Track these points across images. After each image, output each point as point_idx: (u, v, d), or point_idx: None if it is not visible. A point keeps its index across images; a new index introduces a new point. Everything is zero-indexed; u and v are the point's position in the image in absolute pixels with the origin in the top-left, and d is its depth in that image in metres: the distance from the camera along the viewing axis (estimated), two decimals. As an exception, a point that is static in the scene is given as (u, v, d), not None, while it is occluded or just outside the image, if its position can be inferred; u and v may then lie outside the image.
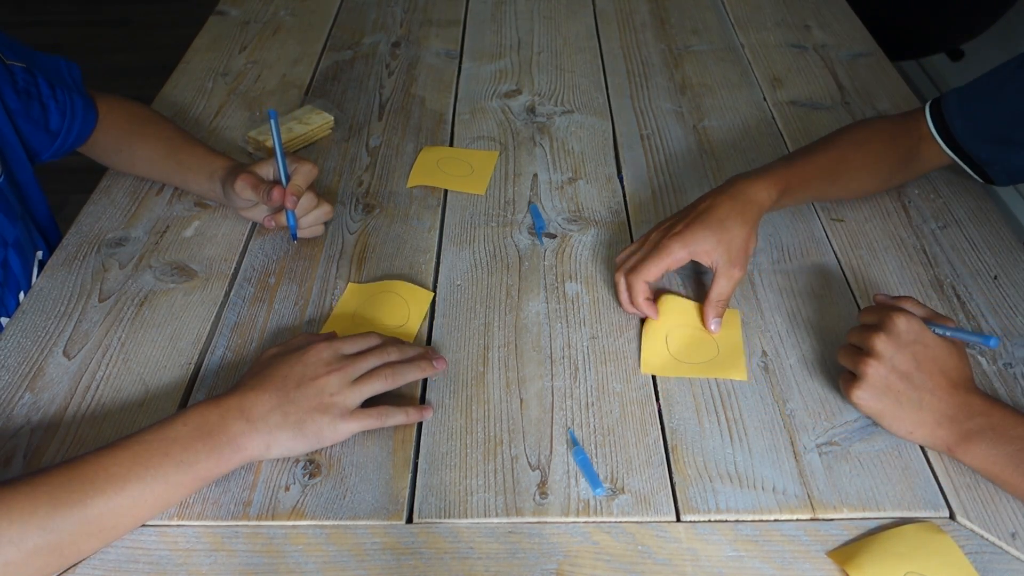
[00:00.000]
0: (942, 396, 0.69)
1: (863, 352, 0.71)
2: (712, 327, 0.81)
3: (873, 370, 0.70)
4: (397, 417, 0.71)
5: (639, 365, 0.79)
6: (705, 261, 0.81)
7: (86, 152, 1.02)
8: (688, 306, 0.84)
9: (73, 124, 0.97)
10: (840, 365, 0.75)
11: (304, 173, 0.87)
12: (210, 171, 0.93)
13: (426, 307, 0.85)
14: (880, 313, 0.72)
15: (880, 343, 0.69)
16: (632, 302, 0.82)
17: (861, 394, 0.70)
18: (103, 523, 0.61)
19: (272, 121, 0.86)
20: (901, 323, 0.70)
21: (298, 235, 0.91)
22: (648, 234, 0.86)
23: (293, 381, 0.68)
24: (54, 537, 0.59)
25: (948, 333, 0.71)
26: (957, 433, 0.69)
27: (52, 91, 0.95)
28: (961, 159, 0.94)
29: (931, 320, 0.72)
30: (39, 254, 0.93)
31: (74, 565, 0.62)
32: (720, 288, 0.81)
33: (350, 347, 0.72)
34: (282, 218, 0.89)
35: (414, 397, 0.76)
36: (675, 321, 0.83)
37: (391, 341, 0.76)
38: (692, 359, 0.80)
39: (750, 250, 0.82)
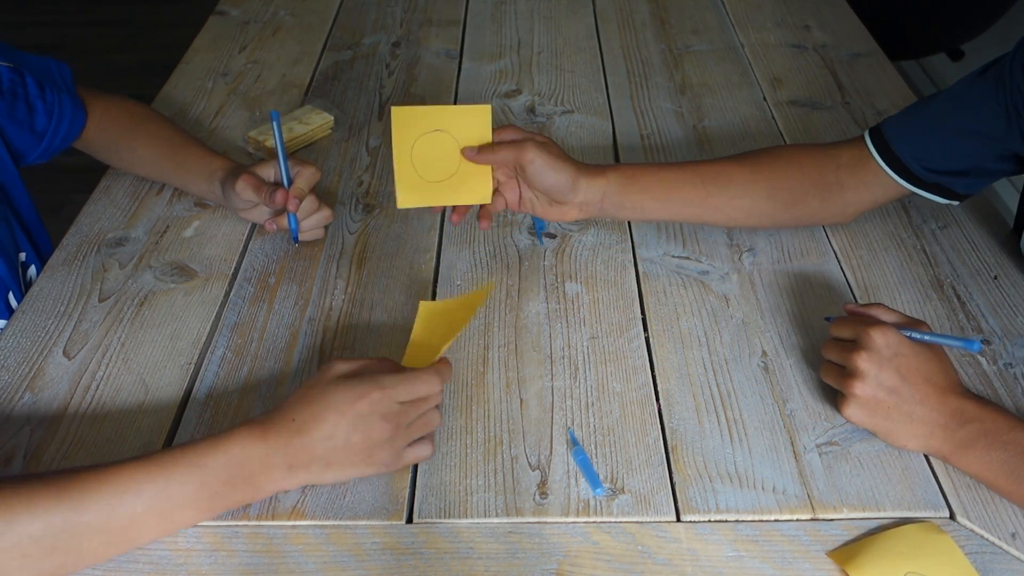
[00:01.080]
0: (932, 405, 0.68)
1: (847, 372, 0.70)
2: (467, 153, 0.81)
3: (860, 390, 0.69)
4: (430, 444, 0.70)
5: (395, 201, 0.81)
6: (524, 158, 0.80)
7: (87, 151, 1.02)
8: (430, 112, 0.81)
9: (60, 125, 0.96)
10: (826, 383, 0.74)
11: (307, 176, 0.87)
12: (209, 172, 0.93)
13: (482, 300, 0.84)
14: (855, 327, 0.71)
15: (862, 362, 0.69)
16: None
17: (851, 412, 0.71)
18: (127, 535, 0.61)
19: (274, 123, 0.86)
20: (879, 338, 0.69)
21: (299, 238, 0.91)
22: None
23: (342, 435, 0.64)
24: (75, 542, 0.59)
25: (927, 339, 0.70)
26: (951, 442, 0.68)
27: (41, 91, 0.94)
28: (916, 186, 0.87)
29: (905, 326, 0.71)
30: (22, 255, 0.93)
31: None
32: (505, 150, 0.80)
33: (406, 394, 0.66)
34: (283, 221, 0.89)
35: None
36: (419, 130, 0.81)
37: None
38: (436, 175, 0.81)
39: (543, 176, 0.81)
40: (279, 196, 0.85)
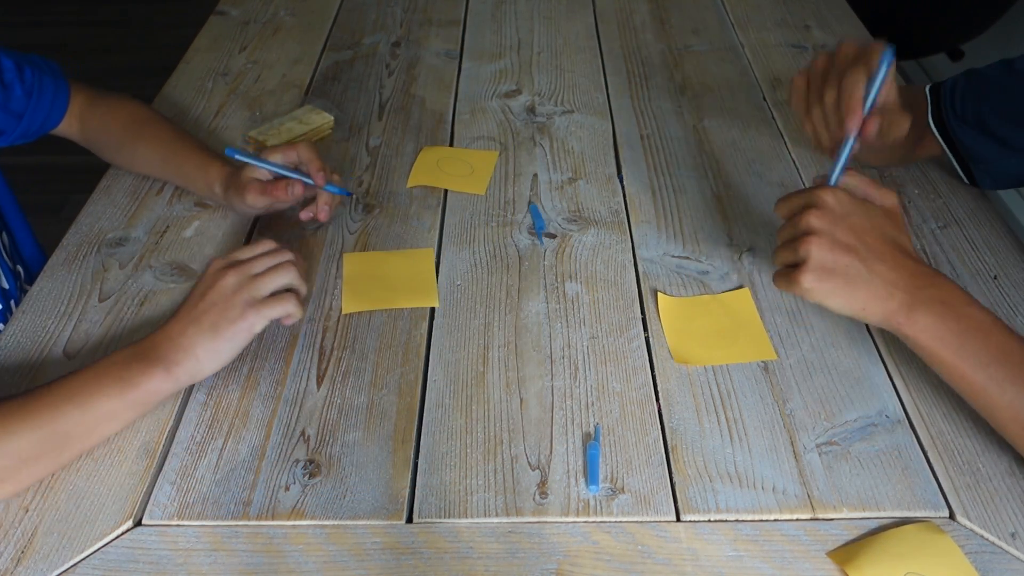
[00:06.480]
0: (890, 264, 0.67)
1: (799, 235, 0.68)
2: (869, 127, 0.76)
3: (816, 248, 0.67)
4: (294, 299, 0.77)
5: (670, 355, 0.80)
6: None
7: (91, 148, 1.02)
8: (692, 303, 0.85)
9: (39, 106, 0.95)
10: (779, 267, 0.72)
11: (308, 151, 0.88)
12: (207, 181, 0.93)
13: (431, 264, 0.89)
14: (801, 195, 0.69)
15: (815, 220, 0.67)
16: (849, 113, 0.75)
17: (808, 277, 0.67)
18: (72, 434, 0.68)
19: (238, 156, 0.87)
20: (829, 197, 0.67)
21: (323, 217, 0.92)
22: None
23: (198, 296, 0.74)
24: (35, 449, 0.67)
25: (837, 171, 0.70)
26: (907, 303, 0.66)
27: (19, 72, 0.94)
28: (950, 149, 0.91)
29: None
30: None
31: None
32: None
33: (245, 252, 0.77)
34: (323, 207, 0.90)
35: (414, 390, 0.76)
36: (686, 318, 0.83)
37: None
38: (718, 346, 0.80)
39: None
40: (297, 188, 0.87)
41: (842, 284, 0.67)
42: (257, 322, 0.74)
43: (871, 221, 0.68)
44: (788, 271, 0.70)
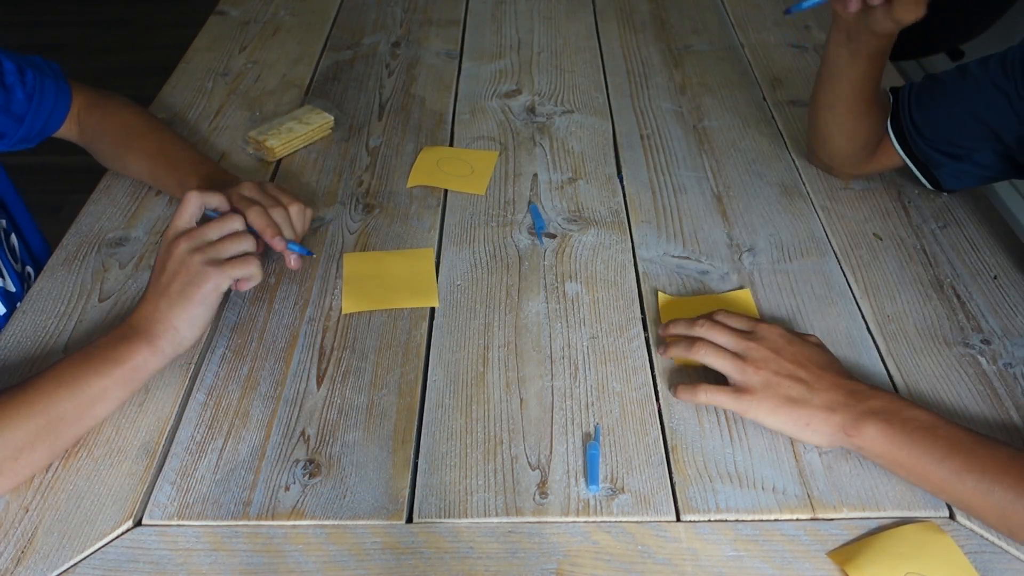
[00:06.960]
0: (829, 387, 0.70)
1: (743, 360, 0.72)
2: None
3: (761, 378, 0.71)
4: (254, 261, 0.78)
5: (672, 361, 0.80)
6: None
7: (88, 151, 1.02)
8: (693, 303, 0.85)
9: (41, 109, 0.95)
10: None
11: (259, 219, 0.82)
12: None
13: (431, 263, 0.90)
14: (747, 320, 0.76)
15: (757, 352, 0.72)
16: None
17: (756, 401, 0.71)
18: (66, 418, 0.69)
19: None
20: (771, 332, 0.74)
21: (291, 265, 0.85)
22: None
23: (159, 270, 0.76)
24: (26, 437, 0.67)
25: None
26: (851, 416, 0.68)
27: (20, 74, 0.93)
28: (911, 160, 0.95)
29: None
30: (2, 222, 0.94)
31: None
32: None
33: (183, 222, 0.78)
34: (289, 256, 0.84)
35: (414, 390, 0.76)
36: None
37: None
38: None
39: None
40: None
41: (785, 404, 0.70)
42: (222, 280, 0.75)
43: (806, 351, 0.73)
44: (724, 388, 0.73)
